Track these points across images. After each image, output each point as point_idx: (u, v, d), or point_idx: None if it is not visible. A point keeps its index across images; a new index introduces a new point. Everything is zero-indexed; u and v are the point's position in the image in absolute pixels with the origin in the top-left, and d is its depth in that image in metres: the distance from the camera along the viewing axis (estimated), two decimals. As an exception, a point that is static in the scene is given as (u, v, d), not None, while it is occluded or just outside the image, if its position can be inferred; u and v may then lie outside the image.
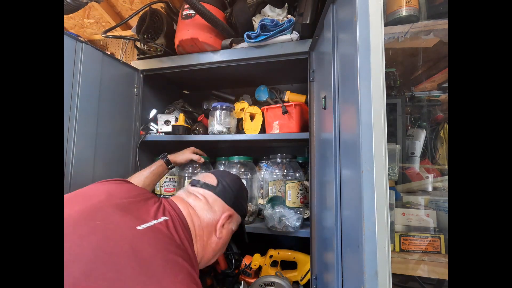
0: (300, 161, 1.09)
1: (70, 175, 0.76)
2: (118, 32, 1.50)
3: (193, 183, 0.67)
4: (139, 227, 0.45)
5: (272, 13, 0.97)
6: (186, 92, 1.47)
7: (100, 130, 0.91)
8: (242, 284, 0.99)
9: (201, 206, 0.61)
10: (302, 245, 1.13)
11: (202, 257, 0.59)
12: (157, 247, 0.44)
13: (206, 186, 0.65)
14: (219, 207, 0.63)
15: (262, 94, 1.14)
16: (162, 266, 0.40)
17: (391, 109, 1.00)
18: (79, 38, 0.83)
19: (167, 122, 1.12)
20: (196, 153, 0.99)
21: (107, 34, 1.03)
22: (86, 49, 0.85)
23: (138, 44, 1.13)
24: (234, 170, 1.01)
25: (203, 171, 1.06)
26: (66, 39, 0.79)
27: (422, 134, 1.07)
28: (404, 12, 0.74)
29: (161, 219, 0.52)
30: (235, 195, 0.66)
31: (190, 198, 0.63)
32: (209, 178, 0.67)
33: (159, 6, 1.15)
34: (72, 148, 0.77)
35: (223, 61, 1.00)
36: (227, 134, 1.03)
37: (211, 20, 0.89)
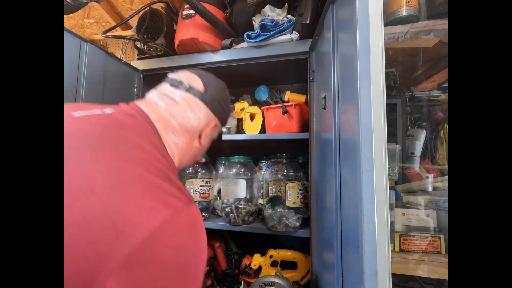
0: (300, 161, 1.09)
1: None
2: (118, 32, 1.50)
3: (172, 83, 0.56)
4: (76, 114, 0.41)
5: (272, 13, 0.97)
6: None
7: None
8: (242, 284, 0.99)
9: (183, 112, 0.53)
10: (302, 245, 1.13)
11: (180, 162, 0.54)
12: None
13: (192, 90, 0.55)
14: (206, 115, 0.56)
15: (262, 94, 1.15)
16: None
17: (391, 109, 1.00)
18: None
19: (167, 122, 1.11)
20: None
21: (107, 34, 1.03)
22: (90, 49, 0.85)
23: (138, 44, 1.13)
24: (234, 170, 1.01)
25: (203, 171, 1.07)
26: (71, 39, 0.79)
27: (422, 134, 1.07)
28: (404, 12, 0.74)
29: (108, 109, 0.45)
30: (222, 105, 0.60)
31: (163, 102, 0.53)
32: (195, 81, 0.58)
33: (159, 6, 1.15)
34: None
35: (223, 61, 1.00)
36: (227, 134, 1.03)
37: (211, 20, 0.89)
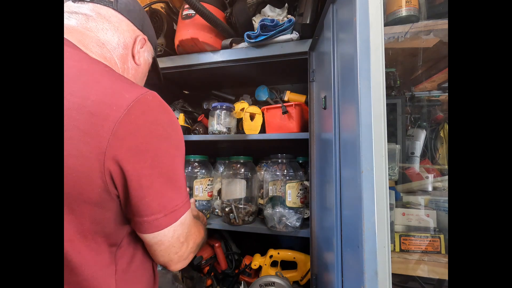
0: (300, 161, 1.09)
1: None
2: (118, 32, 1.49)
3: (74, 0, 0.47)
4: None
5: (272, 13, 0.97)
6: (186, 92, 1.47)
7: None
8: (242, 284, 0.99)
9: (99, 26, 0.46)
10: (302, 245, 1.13)
11: None
12: None
13: (100, 1, 0.47)
14: (128, 28, 0.50)
15: (262, 94, 1.15)
16: None
17: (391, 109, 1.00)
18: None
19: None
20: None
21: (107, 34, 1.03)
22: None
23: (138, 44, 1.13)
24: (234, 170, 1.01)
25: (203, 171, 1.06)
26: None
27: (422, 134, 1.07)
28: (404, 12, 0.74)
29: None
30: (143, 19, 0.53)
31: (73, 19, 0.45)
32: None
33: (159, 6, 1.15)
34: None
35: (223, 61, 1.00)
36: (227, 134, 1.03)
37: (211, 20, 0.89)
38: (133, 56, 0.52)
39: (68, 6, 0.47)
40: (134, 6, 0.53)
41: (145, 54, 0.55)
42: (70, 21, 0.45)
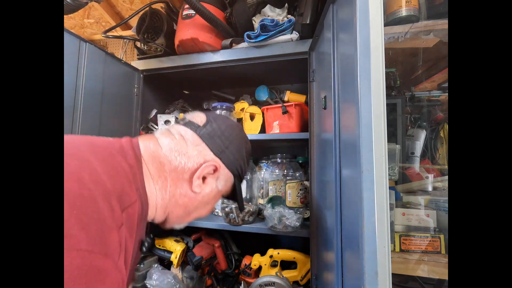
0: (300, 161, 1.09)
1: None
2: (118, 32, 1.50)
3: (177, 121, 0.52)
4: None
5: (272, 13, 0.97)
6: (186, 92, 1.47)
7: (102, 130, 0.91)
8: (242, 284, 0.99)
9: (172, 146, 0.46)
10: (302, 245, 1.13)
11: (167, 211, 0.47)
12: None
13: (189, 124, 0.49)
14: (200, 153, 0.47)
15: (262, 94, 1.15)
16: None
17: (391, 109, 1.00)
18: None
19: (167, 122, 1.12)
20: None
21: (107, 34, 1.03)
22: (90, 49, 0.86)
23: (138, 44, 1.13)
24: (234, 170, 1.01)
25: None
26: (70, 39, 0.79)
27: (422, 134, 1.07)
28: (404, 12, 0.74)
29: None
30: (227, 144, 0.49)
31: (163, 135, 0.48)
32: (198, 117, 0.51)
33: (159, 6, 1.15)
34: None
35: (223, 61, 1.00)
36: (227, 134, 1.02)
37: (211, 20, 0.89)
38: (190, 182, 0.46)
39: (171, 126, 0.51)
40: (224, 131, 0.50)
41: (213, 182, 0.49)
42: (159, 136, 0.48)
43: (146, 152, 0.45)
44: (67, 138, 0.39)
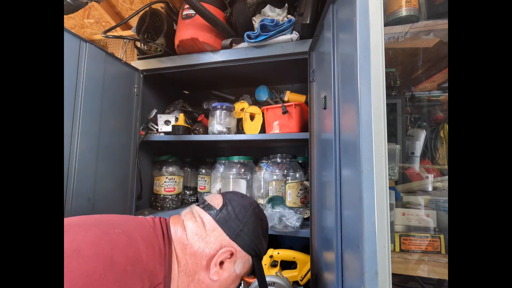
0: (300, 161, 1.09)
1: (73, 173, 0.76)
2: (118, 32, 1.50)
3: (199, 202, 0.57)
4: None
5: (272, 13, 0.97)
6: (186, 92, 1.47)
7: (102, 130, 0.91)
8: (242, 284, 0.99)
9: (194, 229, 0.49)
10: (302, 245, 1.13)
11: None
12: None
13: (208, 208, 0.52)
14: (216, 239, 0.48)
15: (262, 94, 1.15)
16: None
17: (391, 109, 1.00)
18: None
19: (167, 122, 1.12)
20: None
21: (107, 34, 1.03)
22: (90, 49, 0.86)
23: (138, 44, 1.13)
24: (234, 170, 1.01)
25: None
26: (70, 39, 0.79)
27: (422, 134, 1.07)
28: (404, 12, 0.74)
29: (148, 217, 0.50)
30: (241, 227, 0.50)
31: (187, 217, 0.52)
32: (216, 199, 0.54)
33: (159, 6, 1.15)
34: (76, 147, 0.77)
35: (223, 61, 1.00)
36: (227, 134, 1.03)
37: (211, 20, 0.89)
38: (208, 269, 0.47)
39: (194, 207, 0.55)
40: (238, 214, 0.51)
41: (231, 267, 0.49)
42: (185, 218, 0.52)
43: (175, 235, 0.49)
44: (120, 217, 0.46)
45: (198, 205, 0.55)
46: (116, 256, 0.37)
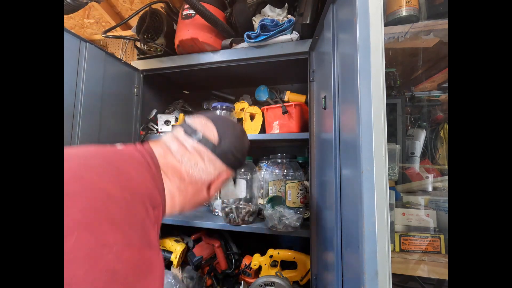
0: (300, 161, 1.09)
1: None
2: (118, 32, 1.50)
3: (187, 131, 0.54)
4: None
5: (272, 13, 0.97)
6: (186, 92, 1.47)
7: (102, 130, 0.91)
8: (242, 284, 0.99)
9: (193, 162, 0.51)
10: (302, 245, 1.13)
11: (181, 209, 0.53)
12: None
13: (204, 142, 0.52)
14: (217, 168, 0.54)
15: (262, 94, 1.15)
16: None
17: (391, 109, 1.00)
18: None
19: (167, 122, 1.12)
20: None
21: (107, 34, 1.03)
22: (90, 49, 0.86)
23: (138, 44, 1.13)
24: (234, 170, 1.01)
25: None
26: (71, 39, 0.79)
27: (422, 134, 1.07)
28: (404, 12, 0.74)
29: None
30: (236, 156, 0.56)
31: (175, 146, 0.52)
32: (210, 131, 0.54)
33: (159, 6, 1.15)
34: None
35: (223, 61, 1.00)
36: (227, 134, 1.03)
37: (211, 20, 0.89)
38: (208, 190, 0.55)
39: (178, 132, 0.54)
40: (235, 146, 0.55)
41: (221, 185, 0.57)
42: (173, 145, 0.51)
43: (164, 160, 0.50)
44: (96, 149, 0.44)
45: (188, 134, 0.53)
46: (111, 189, 0.36)
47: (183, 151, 0.51)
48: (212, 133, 0.54)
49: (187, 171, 0.51)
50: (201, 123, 0.55)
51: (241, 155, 0.58)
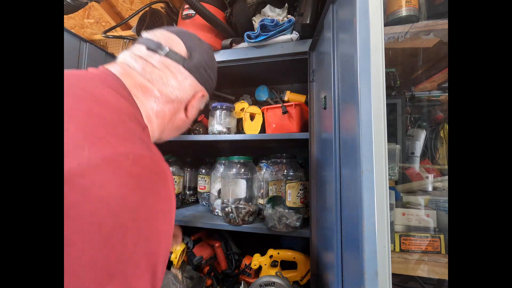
0: (300, 161, 1.09)
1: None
2: (118, 32, 1.50)
3: (149, 46, 0.48)
4: None
5: (272, 13, 0.97)
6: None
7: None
8: (242, 284, 0.99)
9: (165, 79, 0.47)
10: (302, 245, 1.13)
11: (160, 134, 0.50)
12: None
13: (173, 55, 0.48)
14: (191, 85, 0.50)
15: (262, 94, 1.15)
16: None
17: (391, 109, 1.00)
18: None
19: (167, 122, 1.12)
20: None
21: (107, 34, 1.03)
22: (90, 49, 0.86)
23: (138, 44, 1.13)
24: (234, 170, 1.01)
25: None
26: (71, 39, 0.79)
27: (422, 134, 1.07)
28: (404, 12, 0.74)
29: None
30: (208, 72, 0.53)
31: (139, 65, 0.46)
32: (176, 44, 0.49)
33: (159, 6, 1.15)
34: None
35: (223, 61, 1.00)
36: (227, 134, 1.03)
37: (211, 20, 0.89)
38: (186, 110, 0.52)
39: (139, 50, 0.48)
40: (206, 61, 0.53)
41: (199, 106, 0.55)
42: (136, 63, 0.46)
43: (127, 80, 0.44)
44: (78, 72, 0.40)
45: (152, 49, 0.48)
46: (103, 111, 0.33)
47: (151, 69, 0.46)
48: (179, 47, 0.49)
49: (160, 90, 0.46)
50: (164, 36, 0.50)
51: (212, 72, 0.55)
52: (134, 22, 1.16)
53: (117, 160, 0.29)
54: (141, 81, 0.45)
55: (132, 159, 0.31)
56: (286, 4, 0.97)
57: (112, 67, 0.45)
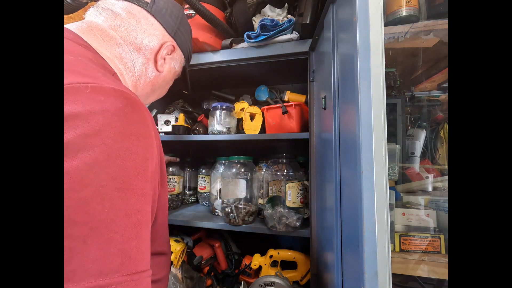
0: (300, 161, 1.09)
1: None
2: (118, 32, 1.50)
3: None
4: None
5: (272, 13, 0.97)
6: (186, 92, 1.46)
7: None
8: (242, 284, 0.99)
9: (127, 24, 0.45)
10: (302, 245, 1.13)
11: (134, 88, 0.48)
12: None
13: (136, 0, 0.46)
14: (158, 32, 0.48)
15: (262, 94, 1.15)
16: None
17: (391, 109, 1.00)
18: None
19: (167, 122, 1.12)
20: None
21: (107, 34, 1.03)
22: (87, 49, 0.86)
23: (138, 44, 1.13)
24: (234, 170, 1.01)
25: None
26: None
27: (422, 134, 1.07)
28: (404, 12, 0.74)
29: None
30: (178, 25, 0.51)
31: (101, 17, 0.45)
32: None
33: (159, 6, 1.15)
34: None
35: (223, 61, 1.00)
36: (227, 134, 1.03)
37: (211, 20, 0.89)
38: (156, 62, 0.49)
39: (104, 2, 0.47)
40: (172, 10, 0.50)
41: (171, 62, 0.52)
42: (98, 18, 0.45)
43: (90, 33, 0.44)
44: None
45: None
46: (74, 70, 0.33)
47: (114, 16, 0.45)
48: None
49: (123, 36, 0.44)
50: None
51: (182, 26, 0.51)
52: (134, 22, 1.15)
53: (76, 87, 0.29)
54: (103, 29, 0.44)
55: (91, 88, 0.30)
56: (286, 4, 0.97)
57: (70, 24, 0.44)
